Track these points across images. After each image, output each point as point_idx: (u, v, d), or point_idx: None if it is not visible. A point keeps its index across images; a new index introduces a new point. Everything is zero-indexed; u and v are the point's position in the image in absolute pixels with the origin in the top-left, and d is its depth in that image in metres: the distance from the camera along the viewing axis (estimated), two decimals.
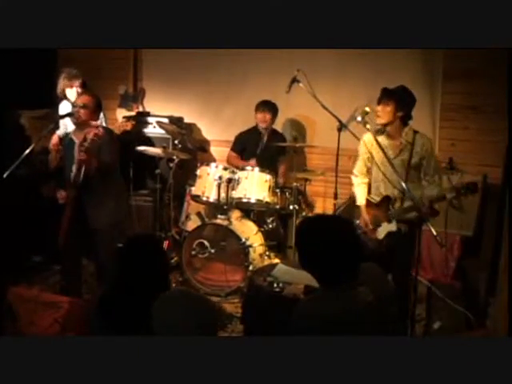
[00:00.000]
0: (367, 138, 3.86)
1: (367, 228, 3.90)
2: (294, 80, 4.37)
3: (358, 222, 3.98)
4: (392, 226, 3.80)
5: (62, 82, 4.94)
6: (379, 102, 3.72)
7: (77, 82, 4.93)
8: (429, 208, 3.60)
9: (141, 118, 5.78)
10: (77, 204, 3.93)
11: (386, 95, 3.70)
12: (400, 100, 3.68)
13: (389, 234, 3.82)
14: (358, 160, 4.05)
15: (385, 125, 3.75)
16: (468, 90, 5.02)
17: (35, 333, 3.35)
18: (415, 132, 3.75)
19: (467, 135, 5.07)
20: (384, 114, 3.70)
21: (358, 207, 4.02)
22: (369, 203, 3.95)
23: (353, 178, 4.08)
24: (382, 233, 3.86)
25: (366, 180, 4.02)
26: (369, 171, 3.99)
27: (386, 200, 3.83)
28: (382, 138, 3.77)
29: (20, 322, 3.46)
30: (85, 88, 4.90)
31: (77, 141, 3.98)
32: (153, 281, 2.42)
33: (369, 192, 4.01)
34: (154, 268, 2.47)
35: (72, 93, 4.92)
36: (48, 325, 3.44)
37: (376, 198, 3.92)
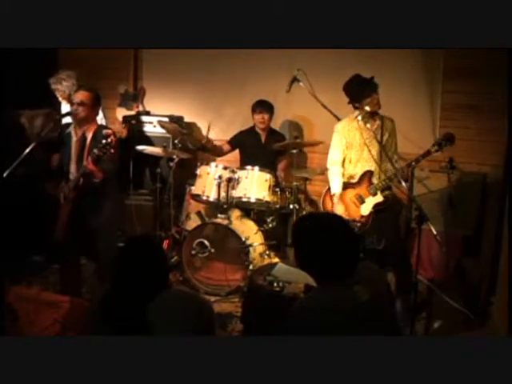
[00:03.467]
0: (340, 126, 4.25)
1: (349, 211, 4.18)
2: (294, 79, 4.39)
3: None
4: (378, 197, 4.11)
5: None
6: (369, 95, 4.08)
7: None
8: (407, 171, 4.02)
9: (141, 118, 5.78)
10: (74, 204, 3.91)
11: (374, 89, 4.10)
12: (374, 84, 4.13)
13: (376, 206, 4.13)
14: (333, 150, 4.30)
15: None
16: (468, 89, 5.02)
17: (35, 332, 3.35)
18: (382, 116, 4.19)
19: (467, 134, 5.05)
20: (376, 103, 4.10)
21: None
22: (349, 185, 4.25)
23: (329, 166, 4.34)
24: (367, 208, 4.15)
25: (342, 170, 4.30)
26: (344, 160, 4.28)
27: (366, 175, 4.17)
28: (357, 121, 4.16)
29: (20, 321, 3.45)
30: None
31: (75, 137, 3.96)
32: (152, 281, 2.42)
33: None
34: (154, 268, 2.47)
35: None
36: (48, 324, 3.43)
37: (355, 178, 4.23)
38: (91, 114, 3.97)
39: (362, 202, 4.18)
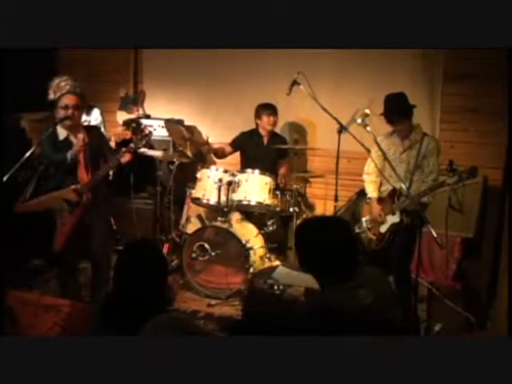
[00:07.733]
0: (379, 138, 4.04)
1: (376, 222, 4.10)
2: (295, 82, 4.38)
3: (365, 218, 4.19)
4: (395, 218, 4.00)
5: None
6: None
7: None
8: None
9: (141, 121, 5.78)
10: (80, 218, 3.92)
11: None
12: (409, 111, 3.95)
13: (392, 227, 4.02)
14: (369, 161, 4.17)
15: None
16: (468, 91, 5.02)
17: (35, 336, 3.34)
18: (425, 134, 4.01)
19: (467, 137, 5.06)
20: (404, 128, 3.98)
21: (367, 203, 4.22)
22: (378, 200, 4.15)
23: (365, 176, 4.26)
24: (385, 226, 4.05)
25: (378, 179, 4.18)
26: (380, 171, 4.08)
27: (392, 193, 4.03)
28: (394, 137, 4.05)
29: (20, 325, 3.44)
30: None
31: (75, 141, 3.95)
32: (151, 285, 2.42)
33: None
34: (153, 272, 2.46)
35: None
36: (48, 328, 3.42)
37: (383, 194, 4.12)
38: (81, 117, 4.11)
39: (383, 219, 4.07)
